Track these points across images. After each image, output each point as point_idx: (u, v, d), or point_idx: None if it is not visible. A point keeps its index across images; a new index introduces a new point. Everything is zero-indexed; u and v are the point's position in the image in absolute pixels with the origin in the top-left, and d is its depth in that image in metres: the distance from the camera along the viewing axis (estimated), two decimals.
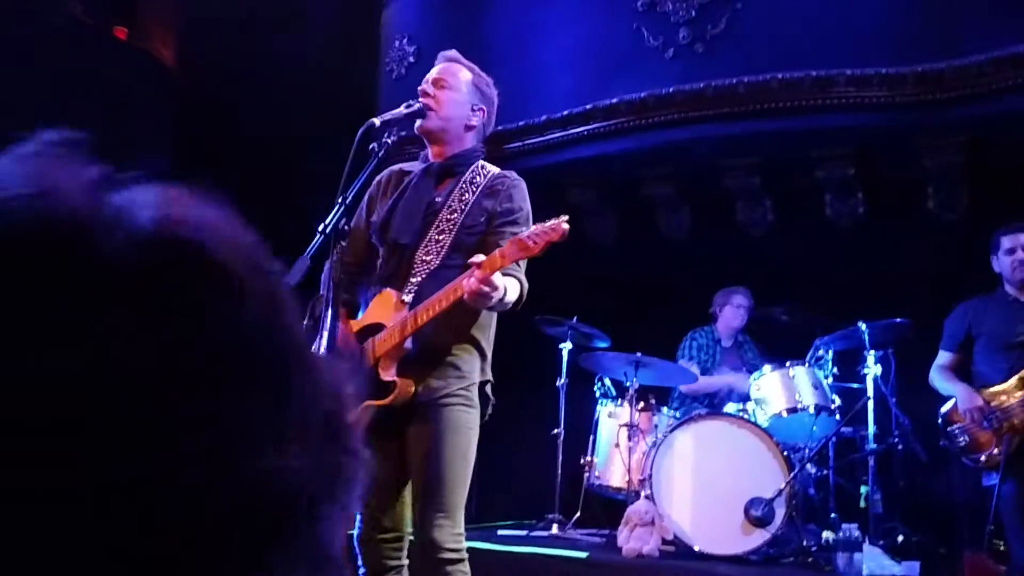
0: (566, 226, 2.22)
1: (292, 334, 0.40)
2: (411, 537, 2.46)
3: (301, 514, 0.38)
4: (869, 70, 4.33)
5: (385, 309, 2.44)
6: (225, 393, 0.36)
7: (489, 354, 2.53)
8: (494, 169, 2.59)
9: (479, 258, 2.18)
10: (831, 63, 4.38)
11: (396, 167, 2.67)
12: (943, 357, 4.06)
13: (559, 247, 2.29)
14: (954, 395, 3.93)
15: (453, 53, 2.66)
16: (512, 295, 2.35)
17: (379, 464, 2.43)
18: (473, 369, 2.46)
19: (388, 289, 2.46)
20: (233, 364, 0.36)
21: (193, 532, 0.34)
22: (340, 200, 2.18)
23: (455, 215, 2.48)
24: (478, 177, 2.54)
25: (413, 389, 2.38)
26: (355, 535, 2.46)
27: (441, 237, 2.47)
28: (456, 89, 2.57)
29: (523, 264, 2.44)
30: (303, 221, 2.29)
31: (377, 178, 2.60)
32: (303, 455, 0.38)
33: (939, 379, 4.03)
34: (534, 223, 2.38)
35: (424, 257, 2.46)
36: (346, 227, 2.18)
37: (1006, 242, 3.92)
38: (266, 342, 0.38)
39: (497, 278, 2.21)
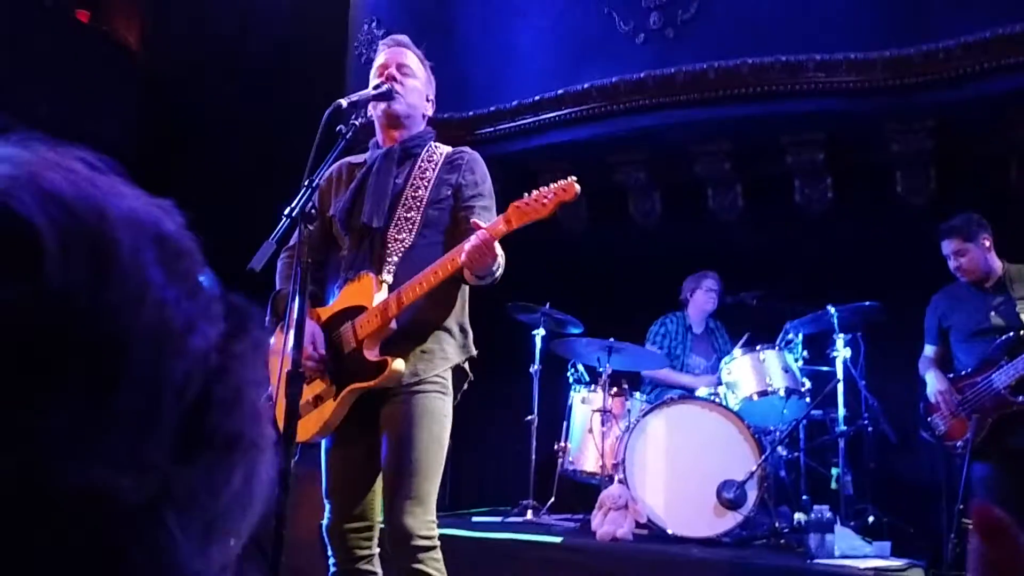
0: (578, 186, 2.23)
1: (140, 313, 0.33)
2: (382, 526, 2.44)
3: (129, 536, 0.31)
4: (838, 55, 4.34)
5: (364, 291, 2.39)
6: (19, 382, 0.30)
7: (470, 329, 2.52)
8: (447, 147, 2.59)
9: (481, 223, 2.20)
10: (800, 48, 4.39)
11: (344, 160, 2.63)
12: (927, 350, 4.13)
13: (530, 232, 2.28)
14: (927, 383, 4.00)
15: (405, 39, 2.64)
16: (501, 267, 2.36)
17: (349, 452, 2.43)
18: (453, 350, 2.44)
19: (365, 272, 2.42)
20: (33, 345, 0.30)
21: None
22: (307, 183, 2.14)
23: (420, 192, 2.47)
24: (434, 155, 2.55)
25: (403, 367, 2.34)
26: (324, 525, 2.43)
27: (410, 215, 2.45)
28: (418, 78, 2.58)
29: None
30: (269, 204, 2.24)
31: (327, 173, 2.55)
32: (135, 466, 0.31)
33: (921, 370, 4.11)
34: (502, 206, 2.36)
35: (396, 236, 2.43)
36: (313, 210, 2.14)
37: (942, 247, 3.99)
38: (85, 319, 0.31)
39: (497, 247, 2.22)
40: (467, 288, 2.51)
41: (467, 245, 2.20)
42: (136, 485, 0.32)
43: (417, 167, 2.51)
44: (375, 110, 2.54)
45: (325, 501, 2.43)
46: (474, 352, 2.51)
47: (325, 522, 2.43)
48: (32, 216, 0.32)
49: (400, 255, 2.41)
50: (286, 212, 2.07)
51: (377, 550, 2.44)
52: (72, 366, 0.31)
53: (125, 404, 0.32)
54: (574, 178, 2.23)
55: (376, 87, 2.47)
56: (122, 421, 0.32)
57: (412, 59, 2.59)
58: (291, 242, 2.44)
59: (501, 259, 2.34)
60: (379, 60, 2.59)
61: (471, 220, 2.32)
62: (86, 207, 0.34)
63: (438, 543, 2.34)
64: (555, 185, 2.23)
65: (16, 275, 0.31)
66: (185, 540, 0.33)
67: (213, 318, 0.37)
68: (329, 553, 2.42)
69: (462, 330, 2.49)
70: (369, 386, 2.33)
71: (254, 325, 0.39)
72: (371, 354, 2.34)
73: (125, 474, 0.31)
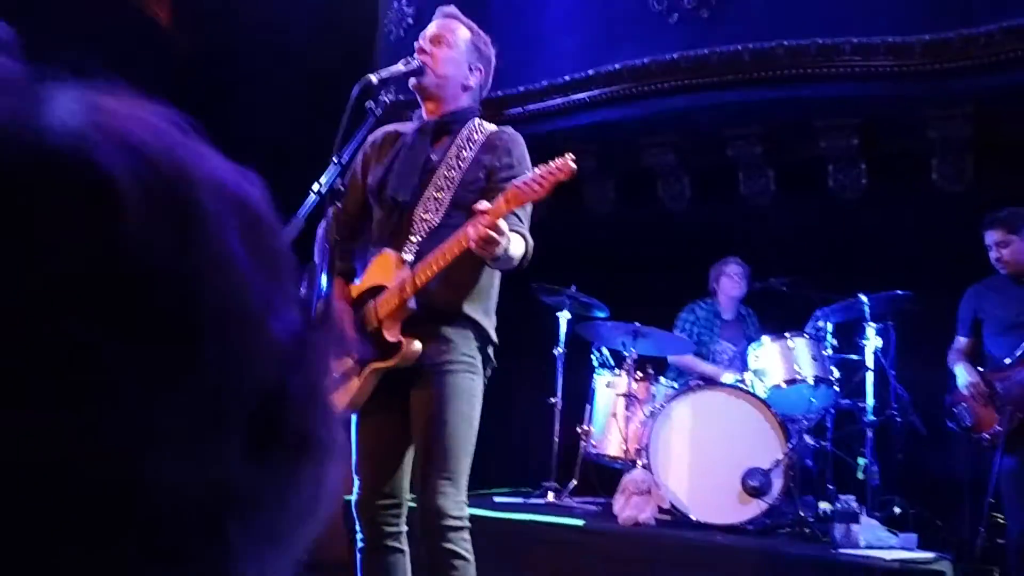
0: (573, 164, 2.15)
1: (219, 285, 0.30)
2: (411, 504, 2.44)
3: (186, 536, 0.29)
4: (876, 38, 4.25)
5: (385, 270, 2.39)
6: (86, 337, 0.27)
7: (494, 316, 2.49)
8: (491, 126, 2.52)
9: (483, 204, 2.12)
10: (837, 31, 4.30)
11: (390, 127, 2.61)
12: (957, 342, 4.12)
13: (558, 215, 2.25)
14: (956, 375, 3.96)
15: (452, 9, 2.59)
16: (517, 250, 2.29)
17: (379, 430, 2.43)
18: (478, 332, 2.42)
19: (387, 250, 2.41)
20: (104, 301, 0.27)
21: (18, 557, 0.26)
22: (335, 159, 2.13)
23: (453, 172, 2.43)
24: (475, 134, 2.48)
25: (419, 348, 2.33)
26: (353, 501, 2.43)
27: (440, 195, 2.41)
28: (454, 47, 2.50)
29: (527, 221, 2.39)
30: (300, 180, 2.24)
31: (371, 138, 2.53)
32: (201, 459, 0.29)
33: (950, 361, 4.11)
34: None
35: (423, 215, 2.40)
36: (342, 186, 2.13)
37: (985, 237, 3.94)
38: (161, 282, 0.29)
39: (503, 226, 2.13)
40: (497, 273, 2.47)
41: (470, 230, 2.14)
42: (200, 481, 0.29)
43: (454, 145, 2.46)
44: (411, 85, 2.51)
45: (355, 476, 2.44)
46: (495, 340, 2.48)
47: (354, 497, 2.43)
48: (111, 165, 0.30)
49: (424, 235, 2.38)
50: (314, 188, 2.07)
51: (405, 528, 2.44)
52: (144, 332, 0.28)
53: (197, 385, 0.29)
54: (571, 156, 2.16)
55: (406, 62, 2.44)
56: (192, 406, 0.29)
57: (452, 28, 2.53)
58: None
59: (519, 243, 2.28)
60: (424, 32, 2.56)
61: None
62: (169, 164, 0.31)
63: (468, 524, 2.33)
64: (551, 164, 2.17)
65: (91, 228, 0.28)
66: (242, 547, 0.31)
67: (293, 302, 0.34)
68: (357, 528, 2.43)
69: (488, 316, 2.46)
70: (388, 366, 2.33)
71: (334, 313, 0.36)
72: (390, 334, 2.33)
73: (190, 467, 0.29)
